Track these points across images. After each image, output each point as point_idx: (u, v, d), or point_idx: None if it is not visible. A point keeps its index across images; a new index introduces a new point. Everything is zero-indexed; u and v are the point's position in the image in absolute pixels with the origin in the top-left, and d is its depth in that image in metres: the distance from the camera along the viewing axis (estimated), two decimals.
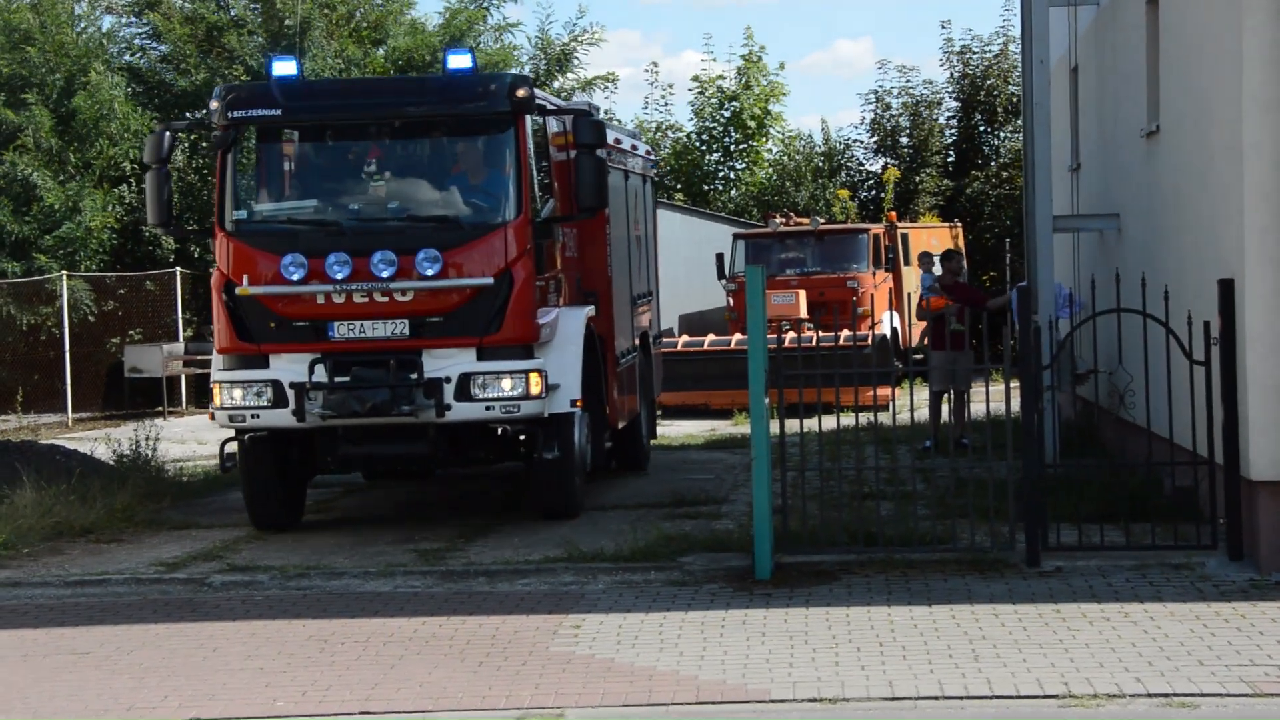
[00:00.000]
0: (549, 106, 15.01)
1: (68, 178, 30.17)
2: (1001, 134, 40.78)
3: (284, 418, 13.73)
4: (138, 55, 33.90)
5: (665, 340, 27.04)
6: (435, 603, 11.52)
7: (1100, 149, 18.40)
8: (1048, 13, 16.45)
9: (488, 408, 13.67)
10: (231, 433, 14.41)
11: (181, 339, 30.01)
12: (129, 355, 29.42)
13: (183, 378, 29.80)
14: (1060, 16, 18.66)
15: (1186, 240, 13.44)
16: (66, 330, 28.91)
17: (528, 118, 14.03)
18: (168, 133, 14.34)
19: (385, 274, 13.52)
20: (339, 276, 13.54)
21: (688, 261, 31.01)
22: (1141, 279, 12.78)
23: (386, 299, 13.62)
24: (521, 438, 14.12)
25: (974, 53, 41.12)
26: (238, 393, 13.84)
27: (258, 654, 10.19)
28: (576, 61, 35.69)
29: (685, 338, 27.58)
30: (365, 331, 13.71)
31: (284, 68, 14.35)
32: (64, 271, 29.22)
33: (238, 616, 11.32)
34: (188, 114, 31.30)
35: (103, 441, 19.76)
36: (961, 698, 8.75)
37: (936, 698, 8.77)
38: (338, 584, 12.27)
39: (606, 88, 39.34)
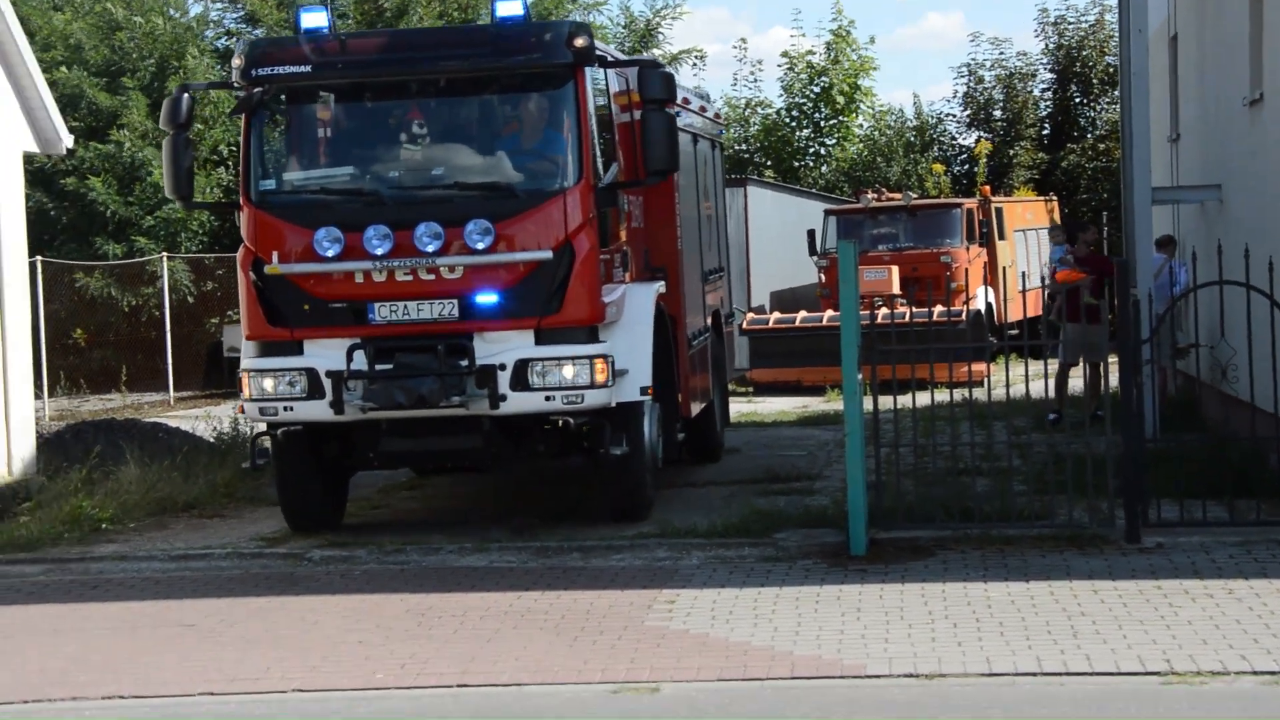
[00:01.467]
0: (610, 59, 13.45)
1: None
2: (1098, 105, 40.33)
3: (320, 410, 12.40)
4: (233, 40, 34.25)
5: (755, 317, 27.02)
6: (530, 577, 11.57)
7: (1200, 119, 18.12)
8: None
9: (548, 398, 12.29)
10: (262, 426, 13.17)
11: None
12: (227, 335, 29.75)
13: None
14: None
15: None
16: (167, 311, 29.29)
17: (588, 71, 12.64)
18: (186, 94, 12.78)
19: (431, 248, 12.25)
20: (379, 252, 12.26)
21: (779, 238, 30.91)
22: (1245, 251, 12.58)
23: (433, 276, 12.35)
24: (585, 430, 12.81)
25: (1069, 23, 40.70)
26: (269, 383, 12.53)
27: (357, 627, 10.29)
28: (661, 36, 35.59)
29: (777, 314, 27.50)
30: (409, 313, 12.40)
31: (313, 19, 12.82)
32: (164, 253, 29.60)
33: (337, 590, 11.44)
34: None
35: (203, 419, 20.01)
36: (1060, 674, 8.66)
37: (1034, 674, 8.69)
38: (434, 559, 12.35)
39: (694, 63, 39.28)
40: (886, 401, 12.34)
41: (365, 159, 13.10)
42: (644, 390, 12.82)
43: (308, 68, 12.63)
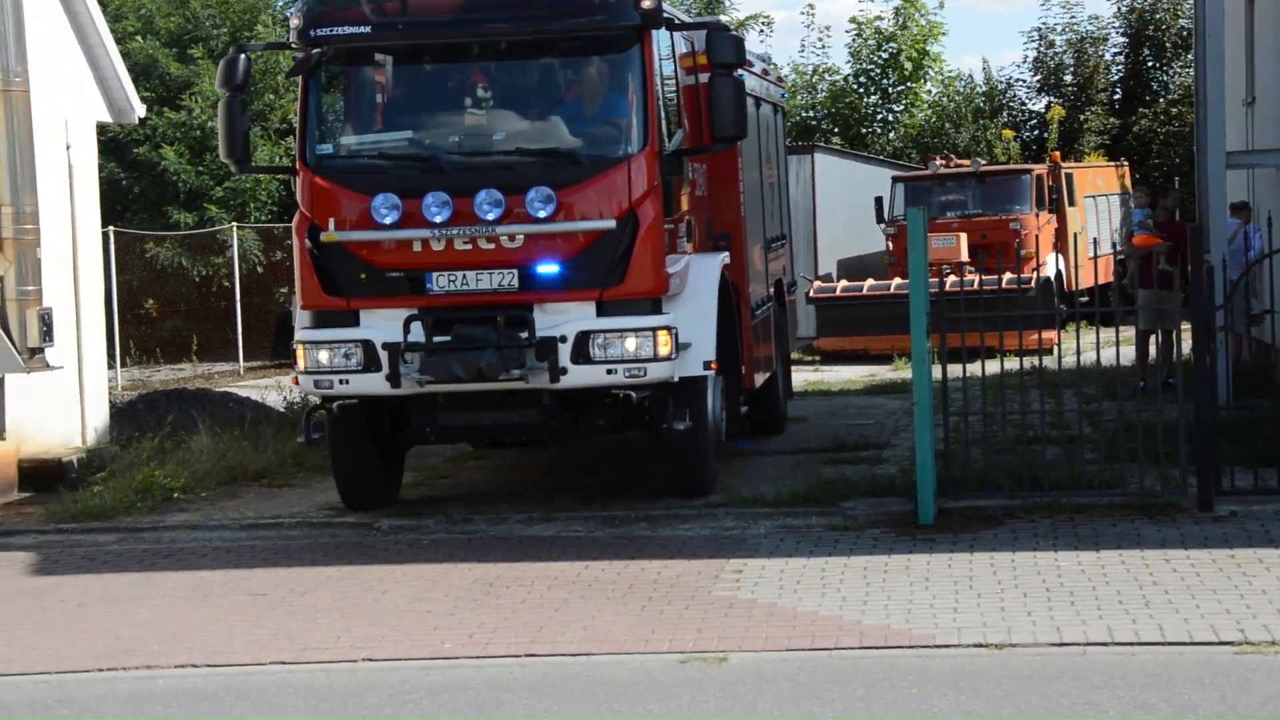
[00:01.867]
0: (677, 20, 13.09)
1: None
2: (1171, 69, 39.95)
3: (377, 383, 12.05)
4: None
5: (822, 285, 26.90)
6: (598, 547, 11.58)
7: (1277, 81, 17.82)
8: None
9: (609, 371, 11.91)
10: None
11: None
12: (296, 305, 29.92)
13: None
14: None
15: None
16: (237, 281, 29.51)
17: (654, 34, 12.25)
18: (242, 55, 12.45)
19: (491, 216, 11.85)
20: (438, 220, 11.89)
21: (846, 206, 30.75)
22: None
23: (493, 245, 11.97)
24: (647, 405, 12.38)
25: None
26: (324, 355, 12.20)
27: (425, 597, 10.34)
28: (728, 3, 35.37)
29: (844, 283, 27.38)
30: (468, 283, 12.02)
31: None
32: (234, 223, 29.80)
33: (405, 560, 11.50)
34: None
35: (273, 389, 20.17)
36: (1132, 644, 8.59)
37: (1106, 644, 8.62)
38: (501, 528, 12.38)
39: (761, 29, 39.08)
40: (955, 370, 12.26)
41: (425, 123, 12.77)
42: (707, 364, 12.47)
43: (367, 28, 12.27)
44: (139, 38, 31.16)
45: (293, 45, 12.64)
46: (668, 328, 12.04)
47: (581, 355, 11.91)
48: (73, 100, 16.94)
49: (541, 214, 11.88)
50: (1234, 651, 8.40)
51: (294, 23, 12.44)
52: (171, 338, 30.19)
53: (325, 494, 14.18)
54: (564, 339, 11.92)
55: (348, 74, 12.89)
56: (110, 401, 18.17)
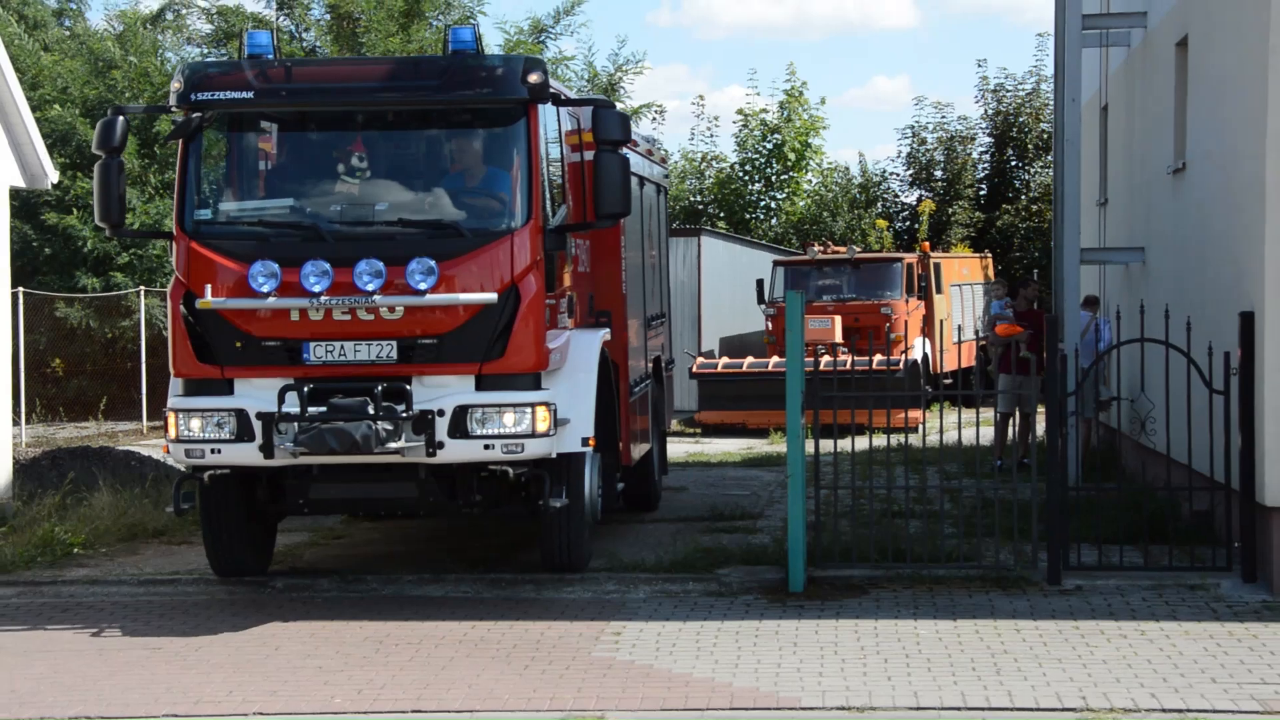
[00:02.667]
0: (564, 96, 12.59)
1: (148, 199, 30.41)
2: (1032, 169, 40.80)
3: (249, 454, 11.24)
4: None
5: (705, 361, 27.08)
6: (485, 607, 11.57)
7: (1127, 185, 18.35)
8: (1080, 53, 16.46)
9: (487, 446, 11.23)
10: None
11: None
12: None
13: None
14: (1092, 57, 18.66)
15: (1209, 274, 13.40)
16: (144, 343, 29.11)
17: (541, 109, 11.71)
18: (120, 117, 11.65)
19: (371, 287, 11.14)
20: (317, 289, 11.15)
21: (729, 287, 31.05)
22: (1165, 310, 12.75)
23: (372, 316, 11.26)
24: (524, 481, 11.80)
25: (1008, 90, 41.21)
26: (196, 423, 11.36)
27: (317, 653, 10.26)
28: (623, 91, 35.69)
29: (725, 359, 27.59)
30: (346, 354, 11.32)
31: (257, 41, 11.87)
32: (141, 288, 29.46)
33: (299, 617, 11.40)
34: None
35: None
36: (983, 709, 8.74)
37: (959, 709, 8.76)
38: (392, 588, 12.32)
39: (654, 117, 39.41)
40: (827, 445, 12.40)
41: (306, 192, 12.02)
42: (585, 441, 11.93)
43: (250, 94, 11.60)
44: (57, 105, 30.79)
45: (173, 109, 11.87)
46: (546, 403, 11.45)
47: (459, 430, 11.27)
48: None
49: (422, 286, 11.21)
50: (1076, 718, 8.57)
51: (175, 86, 11.74)
52: (77, 396, 29.71)
53: None
54: (442, 413, 11.27)
55: (229, 139, 12.10)
56: (14, 458, 17.85)
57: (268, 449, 11.19)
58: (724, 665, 9.72)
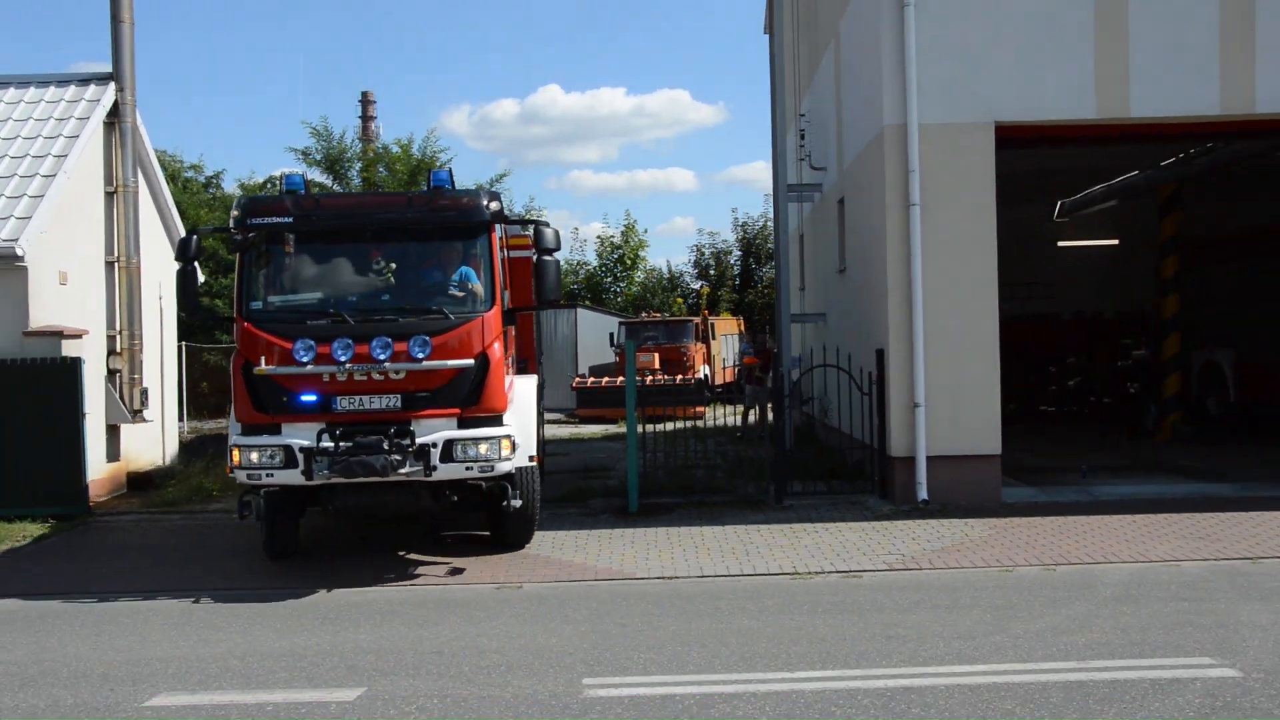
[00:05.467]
0: (513, 216, 11.25)
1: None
2: (764, 269, 41.24)
3: (295, 477, 9.55)
4: None
5: (580, 380, 26.59)
6: (455, 549, 11.08)
7: (815, 278, 18.48)
8: (787, 205, 16.42)
9: (468, 468, 9.59)
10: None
11: None
12: None
13: None
14: (795, 208, 18.76)
15: (860, 329, 13.47)
16: None
17: (498, 226, 10.35)
18: (195, 236, 10.14)
19: (382, 356, 9.55)
20: (343, 359, 9.54)
21: (595, 337, 30.78)
22: (837, 349, 12.74)
23: (383, 377, 9.60)
24: (493, 489, 10.52)
25: (752, 223, 41.60)
26: (254, 455, 9.61)
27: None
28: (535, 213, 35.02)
29: (592, 378, 27.30)
30: (365, 404, 9.68)
31: (293, 181, 10.99)
32: None
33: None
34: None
35: None
36: (737, 575, 8.63)
37: (723, 575, 8.64)
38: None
39: None
40: (651, 427, 12.16)
41: (333, 287, 10.53)
42: (531, 458, 10.72)
43: (289, 218, 10.36)
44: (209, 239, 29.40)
45: (233, 230, 10.51)
46: (509, 436, 10.11)
47: (448, 456, 9.83)
48: (162, 268, 15.90)
49: (420, 355, 9.89)
50: (790, 578, 8.50)
51: (234, 213, 10.37)
52: (216, 406, 28.43)
53: None
54: (435, 445, 9.86)
55: (274, 251, 10.56)
56: (179, 439, 16.98)
57: (308, 473, 9.71)
58: (592, 554, 9.49)
